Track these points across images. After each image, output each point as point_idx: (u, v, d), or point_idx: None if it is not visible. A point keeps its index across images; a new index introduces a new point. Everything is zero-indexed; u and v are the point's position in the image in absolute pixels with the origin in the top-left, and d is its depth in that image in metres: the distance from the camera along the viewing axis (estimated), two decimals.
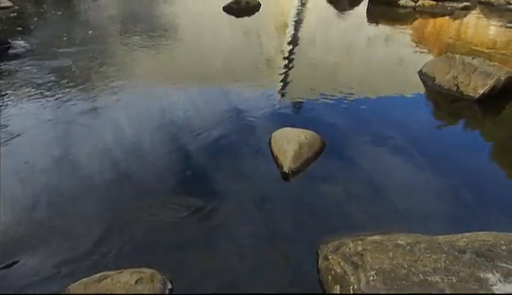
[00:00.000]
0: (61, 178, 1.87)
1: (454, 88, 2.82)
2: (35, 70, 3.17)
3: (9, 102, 2.66)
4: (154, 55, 3.92)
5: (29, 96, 2.75)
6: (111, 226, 1.55)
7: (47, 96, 2.79)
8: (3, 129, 2.28)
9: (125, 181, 1.87)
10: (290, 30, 5.12)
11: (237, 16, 5.27)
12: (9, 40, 3.68)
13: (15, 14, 4.79)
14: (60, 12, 5.56)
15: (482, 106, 2.72)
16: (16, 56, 3.44)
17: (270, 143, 2.20)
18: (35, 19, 4.93)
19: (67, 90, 2.86)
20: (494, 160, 2.24)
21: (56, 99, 2.74)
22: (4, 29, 4.16)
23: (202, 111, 2.73)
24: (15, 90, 2.83)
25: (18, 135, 2.25)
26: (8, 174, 1.86)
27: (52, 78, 3.04)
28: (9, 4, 4.86)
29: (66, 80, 3.01)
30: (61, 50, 3.65)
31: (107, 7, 6.11)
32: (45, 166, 1.96)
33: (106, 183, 1.85)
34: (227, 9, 5.50)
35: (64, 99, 2.74)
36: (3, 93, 2.77)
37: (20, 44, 3.71)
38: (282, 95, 3.09)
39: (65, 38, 4.08)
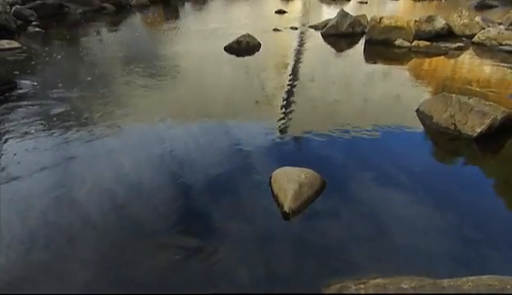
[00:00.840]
0: (56, 218, 1.86)
1: (452, 127, 2.85)
2: (38, 110, 3.22)
3: (8, 141, 2.69)
4: (157, 94, 4.00)
5: (30, 135, 2.79)
6: (104, 268, 1.53)
7: (48, 135, 2.83)
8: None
9: (121, 221, 1.87)
10: (290, 68, 5.24)
11: (238, 56, 5.42)
12: (15, 80, 3.76)
13: (23, 54, 4.93)
14: (66, 52, 5.73)
15: (481, 145, 2.74)
16: (21, 96, 3.51)
17: (270, 182, 2.21)
18: (42, 59, 5.07)
19: (68, 130, 2.91)
20: (497, 198, 2.24)
21: (56, 138, 2.78)
22: (11, 69, 4.26)
23: (202, 148, 2.75)
24: (15, 129, 2.86)
25: (15, 176, 2.26)
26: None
27: (54, 118, 3.10)
28: (17, 45, 5.02)
29: (67, 120, 3.05)
30: (65, 89, 3.73)
31: (112, 48, 6.29)
32: (40, 206, 1.95)
33: (103, 222, 1.84)
34: (228, 49, 5.66)
35: (64, 139, 2.79)
36: (3, 131, 2.81)
37: (25, 84, 3.80)
38: (282, 131, 3.12)
39: (69, 78, 4.18)
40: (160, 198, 2.09)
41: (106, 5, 9.18)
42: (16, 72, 4.21)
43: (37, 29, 6.34)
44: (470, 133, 2.74)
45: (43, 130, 2.89)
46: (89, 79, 4.30)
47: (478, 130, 2.70)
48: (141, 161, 2.52)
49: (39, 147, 2.65)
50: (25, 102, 3.38)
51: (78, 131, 2.88)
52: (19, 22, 6.45)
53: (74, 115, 3.17)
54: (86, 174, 2.31)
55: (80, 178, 2.27)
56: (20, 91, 3.62)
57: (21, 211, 1.94)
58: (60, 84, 3.86)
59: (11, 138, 2.75)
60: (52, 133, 2.85)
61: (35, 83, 3.91)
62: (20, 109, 3.24)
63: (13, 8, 6.70)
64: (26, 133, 2.81)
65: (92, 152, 2.62)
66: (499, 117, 2.70)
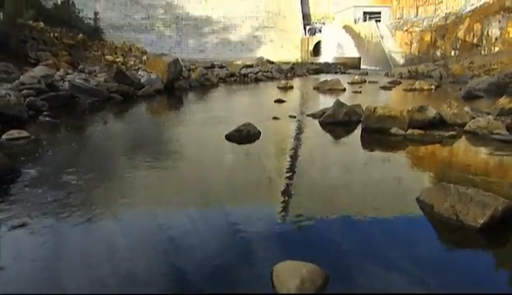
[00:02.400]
0: None
1: (454, 217, 2.85)
2: (40, 199, 3.24)
3: (6, 230, 2.67)
4: (159, 180, 4.06)
5: (29, 224, 2.78)
6: None
7: (47, 224, 2.83)
8: None
9: None
10: (290, 154, 5.37)
11: (239, 143, 5.58)
12: (20, 169, 3.83)
13: (31, 143, 5.08)
14: (73, 140, 5.93)
15: (485, 236, 2.71)
16: (24, 185, 3.55)
17: (272, 277, 2.15)
18: (49, 147, 5.23)
19: (67, 218, 2.91)
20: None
21: (52, 228, 2.78)
22: (18, 157, 4.37)
23: (201, 237, 2.72)
24: (11, 218, 2.86)
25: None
26: None
27: (54, 207, 3.11)
28: (27, 134, 5.20)
29: (67, 208, 3.06)
30: (69, 177, 3.78)
31: (117, 135, 6.53)
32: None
33: None
34: (229, 137, 5.85)
35: (61, 228, 2.79)
36: (3, 221, 2.80)
37: (29, 173, 3.86)
38: (283, 218, 3.11)
39: (73, 166, 4.26)
40: (153, 290, 2.03)
41: (114, 95, 9.70)
42: (22, 161, 4.31)
43: (47, 118, 6.63)
44: (473, 224, 2.73)
45: (41, 220, 2.88)
46: (93, 166, 4.39)
47: (481, 221, 2.69)
48: (136, 249, 2.49)
49: (34, 238, 2.62)
50: (26, 192, 3.41)
51: (76, 219, 2.88)
52: (31, 112, 6.76)
53: (74, 202, 3.18)
54: (79, 266, 2.25)
55: (73, 271, 2.21)
56: (23, 179, 3.67)
57: None
58: (64, 173, 3.93)
59: (6, 227, 2.73)
60: (50, 223, 2.84)
61: (40, 172, 3.98)
62: (19, 198, 3.26)
63: (27, 100, 7.06)
64: (23, 223, 2.80)
65: (87, 240, 2.61)
66: (500, 208, 2.71)
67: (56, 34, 14.63)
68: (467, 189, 2.95)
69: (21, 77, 8.41)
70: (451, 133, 5.93)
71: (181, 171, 4.50)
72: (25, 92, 7.45)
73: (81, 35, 16.35)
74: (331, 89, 12.83)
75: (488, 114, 6.68)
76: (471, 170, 4.39)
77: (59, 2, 20.35)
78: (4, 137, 5.06)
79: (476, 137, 5.82)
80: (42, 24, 14.61)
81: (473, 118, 6.38)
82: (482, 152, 5.19)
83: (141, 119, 8.11)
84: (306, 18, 50.17)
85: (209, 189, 3.81)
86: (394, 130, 6.16)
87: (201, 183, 3.98)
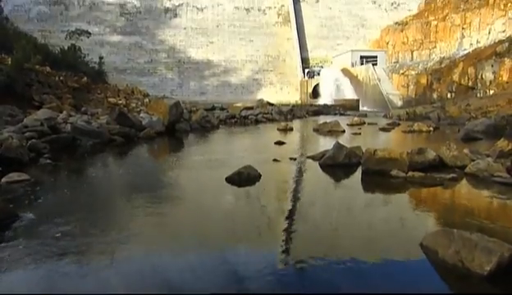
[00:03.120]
0: None
1: (460, 264, 2.77)
2: (37, 243, 3.20)
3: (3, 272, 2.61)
4: (157, 225, 4.00)
5: (25, 267, 2.73)
6: None
7: (43, 267, 2.79)
8: None
9: None
10: (290, 197, 5.33)
11: (239, 186, 5.56)
12: (18, 213, 3.80)
13: (30, 187, 5.05)
14: (72, 183, 5.91)
15: (493, 283, 2.63)
16: (22, 229, 3.51)
17: None
18: (48, 191, 5.21)
19: (63, 263, 2.87)
20: None
21: (47, 273, 2.74)
22: (16, 201, 4.34)
23: (199, 281, 2.65)
24: (8, 263, 2.81)
25: None
26: None
27: (53, 249, 3.06)
28: (26, 177, 5.19)
29: (63, 252, 3.01)
30: (66, 221, 3.74)
31: (117, 178, 6.51)
32: None
33: None
34: (230, 179, 5.83)
35: (56, 273, 2.74)
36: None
37: (28, 217, 3.82)
38: (283, 262, 3.05)
39: (72, 210, 4.23)
40: None
41: (115, 137, 9.78)
42: (21, 205, 4.27)
43: (48, 161, 6.65)
44: (480, 272, 2.66)
45: (36, 264, 2.82)
46: (91, 210, 4.35)
47: (487, 268, 2.62)
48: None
49: (26, 285, 2.56)
50: (23, 237, 3.36)
51: (71, 266, 2.83)
52: (32, 154, 6.78)
53: (70, 249, 3.12)
54: None
55: None
56: (20, 224, 3.63)
57: None
58: (62, 217, 3.89)
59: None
60: (44, 269, 2.79)
61: (38, 216, 3.93)
62: (14, 244, 3.20)
63: (29, 142, 7.12)
64: (15, 268, 2.75)
65: (81, 287, 2.56)
66: (506, 254, 2.65)
67: (61, 78, 15.02)
68: (471, 234, 2.90)
69: (25, 120, 8.54)
70: (452, 175, 5.91)
71: (181, 216, 4.45)
72: (27, 134, 7.53)
73: (85, 78, 16.78)
74: (331, 131, 12.94)
75: (488, 156, 6.70)
76: (474, 214, 4.34)
77: (66, 47, 21.08)
78: (4, 180, 5.05)
79: (477, 179, 5.80)
80: (48, 69, 15.04)
81: (473, 160, 6.39)
82: (484, 196, 5.16)
83: (141, 162, 8.14)
84: (305, 62, 51.71)
85: (209, 233, 3.76)
86: (394, 172, 6.15)
87: (201, 228, 3.92)
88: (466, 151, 6.90)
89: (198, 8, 57.76)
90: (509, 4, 34.53)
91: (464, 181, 5.85)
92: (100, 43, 49.51)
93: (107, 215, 4.30)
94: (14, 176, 5.14)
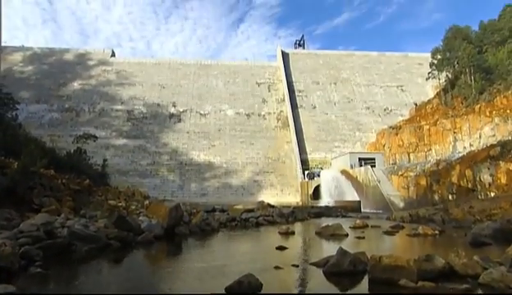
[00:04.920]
0: None
1: None
2: None
3: None
4: None
5: None
6: None
7: None
8: None
9: None
10: None
11: None
12: None
13: None
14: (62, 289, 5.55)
15: None
16: None
17: None
18: None
19: None
20: None
21: None
22: None
23: None
24: None
25: None
26: None
27: None
28: (12, 289, 4.91)
29: None
30: None
31: (108, 287, 6.14)
32: None
33: None
34: (230, 289, 5.52)
35: None
36: None
37: None
38: None
39: None
40: None
41: (112, 241, 9.51)
42: None
43: (38, 269, 6.34)
44: None
45: None
46: None
47: None
48: None
49: None
50: None
51: None
52: (23, 262, 6.50)
53: None
54: None
55: None
56: None
57: None
58: None
59: None
60: None
61: None
62: None
63: (22, 249, 6.89)
64: None
65: None
66: None
67: (63, 181, 15.18)
68: None
69: (21, 224, 8.38)
70: (465, 286, 5.57)
71: None
72: (21, 240, 7.31)
73: (88, 181, 16.95)
74: (334, 235, 12.61)
75: (500, 264, 6.40)
76: None
77: (72, 150, 21.78)
78: None
79: (492, 290, 5.45)
80: (52, 171, 15.29)
81: (485, 268, 6.08)
82: None
83: (136, 270, 7.75)
84: (304, 163, 52.98)
85: None
86: (403, 282, 5.81)
87: None
88: (476, 258, 6.61)
89: (201, 114, 61.29)
90: (494, 111, 36.73)
91: (480, 292, 5.49)
92: (105, 146, 51.43)
93: None
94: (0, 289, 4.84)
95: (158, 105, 62.11)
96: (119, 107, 61.16)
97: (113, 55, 73.60)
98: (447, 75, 52.70)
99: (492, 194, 22.87)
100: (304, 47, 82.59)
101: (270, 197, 45.47)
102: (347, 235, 12.76)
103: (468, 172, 26.19)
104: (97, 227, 10.27)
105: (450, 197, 27.34)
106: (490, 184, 23.85)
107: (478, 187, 24.79)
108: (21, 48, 73.93)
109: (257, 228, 16.10)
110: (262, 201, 24.02)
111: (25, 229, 7.94)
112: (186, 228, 13.10)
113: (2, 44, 74.52)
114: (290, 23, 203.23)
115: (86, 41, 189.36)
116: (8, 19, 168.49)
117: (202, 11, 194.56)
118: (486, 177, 24.24)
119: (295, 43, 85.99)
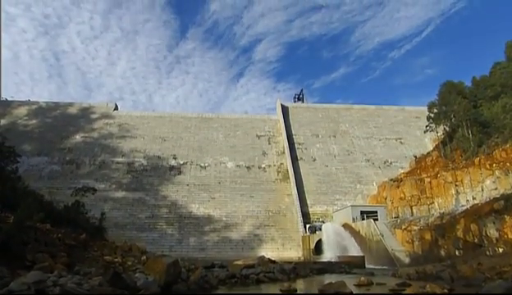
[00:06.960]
0: None
1: None
2: None
3: None
4: None
5: None
6: None
7: None
8: None
9: None
10: None
11: None
12: None
13: None
14: None
15: None
16: None
17: None
18: None
19: None
20: None
21: None
22: None
23: None
24: None
25: None
26: None
27: None
28: None
29: None
30: None
31: None
32: None
33: None
34: None
35: None
36: None
37: None
38: None
39: None
40: None
41: None
42: None
43: None
44: None
45: None
46: None
47: None
48: None
49: None
50: None
51: None
52: None
53: None
54: None
55: None
56: None
57: None
58: None
59: None
60: None
61: None
62: None
63: None
64: None
65: None
66: None
67: (59, 235, 14.79)
68: None
69: (12, 283, 7.98)
70: None
71: None
72: None
73: (84, 235, 16.52)
74: (337, 293, 12.04)
75: None
76: None
77: (70, 203, 21.45)
78: None
79: None
80: (48, 226, 14.94)
81: None
82: None
83: None
84: (305, 216, 52.01)
85: None
86: None
87: None
88: None
89: (201, 166, 61.29)
90: (494, 164, 36.73)
91: None
92: (104, 198, 50.83)
93: None
94: None
95: (159, 157, 62.35)
96: (119, 160, 61.34)
97: (116, 108, 75.22)
98: (445, 128, 53.45)
99: (501, 250, 22.19)
100: (303, 101, 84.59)
101: (271, 251, 44.15)
102: (351, 294, 12.18)
103: (474, 226, 25.61)
104: (91, 285, 9.80)
105: (456, 252, 26.51)
106: (497, 240, 23.21)
107: (485, 242, 24.12)
108: (27, 102, 75.75)
109: (257, 285, 15.42)
110: (263, 257, 23.23)
111: (15, 288, 7.55)
112: (184, 285, 12.53)
113: (9, 98, 76.56)
114: (289, 77, 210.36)
115: (90, 94, 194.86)
116: (16, 75, 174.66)
117: (203, 66, 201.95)
118: (492, 232, 23.67)
119: (295, 97, 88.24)
